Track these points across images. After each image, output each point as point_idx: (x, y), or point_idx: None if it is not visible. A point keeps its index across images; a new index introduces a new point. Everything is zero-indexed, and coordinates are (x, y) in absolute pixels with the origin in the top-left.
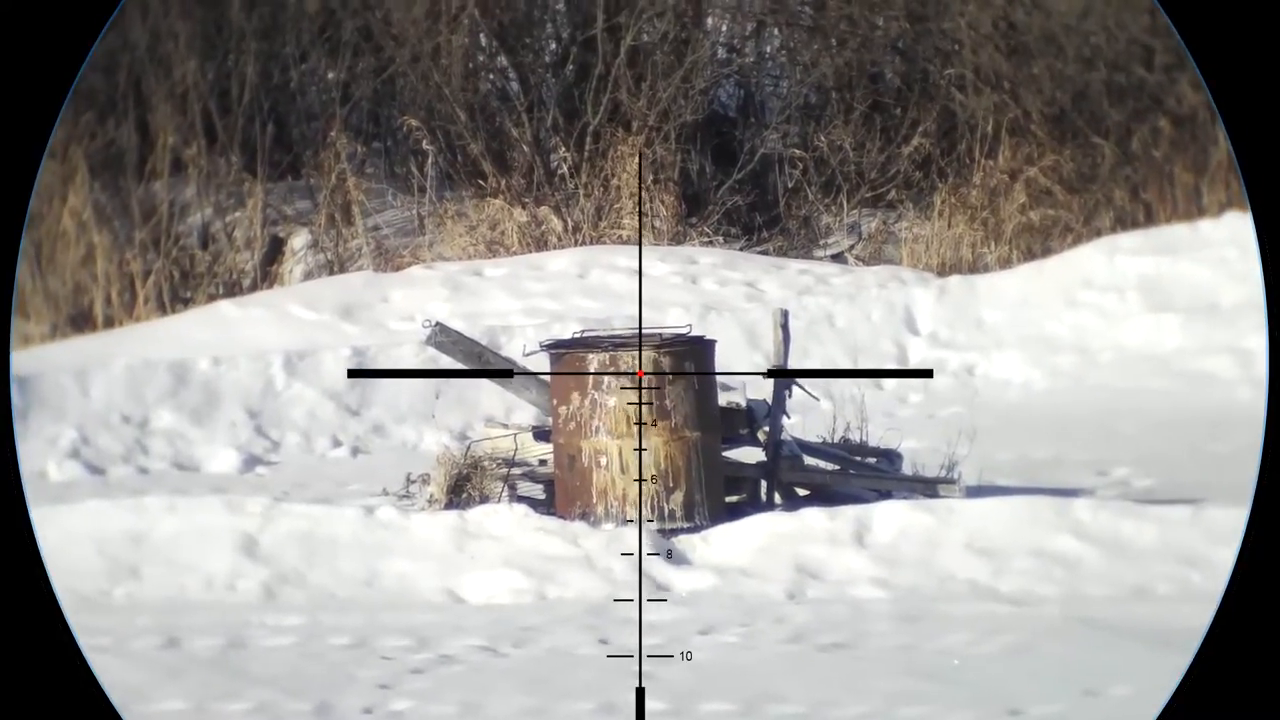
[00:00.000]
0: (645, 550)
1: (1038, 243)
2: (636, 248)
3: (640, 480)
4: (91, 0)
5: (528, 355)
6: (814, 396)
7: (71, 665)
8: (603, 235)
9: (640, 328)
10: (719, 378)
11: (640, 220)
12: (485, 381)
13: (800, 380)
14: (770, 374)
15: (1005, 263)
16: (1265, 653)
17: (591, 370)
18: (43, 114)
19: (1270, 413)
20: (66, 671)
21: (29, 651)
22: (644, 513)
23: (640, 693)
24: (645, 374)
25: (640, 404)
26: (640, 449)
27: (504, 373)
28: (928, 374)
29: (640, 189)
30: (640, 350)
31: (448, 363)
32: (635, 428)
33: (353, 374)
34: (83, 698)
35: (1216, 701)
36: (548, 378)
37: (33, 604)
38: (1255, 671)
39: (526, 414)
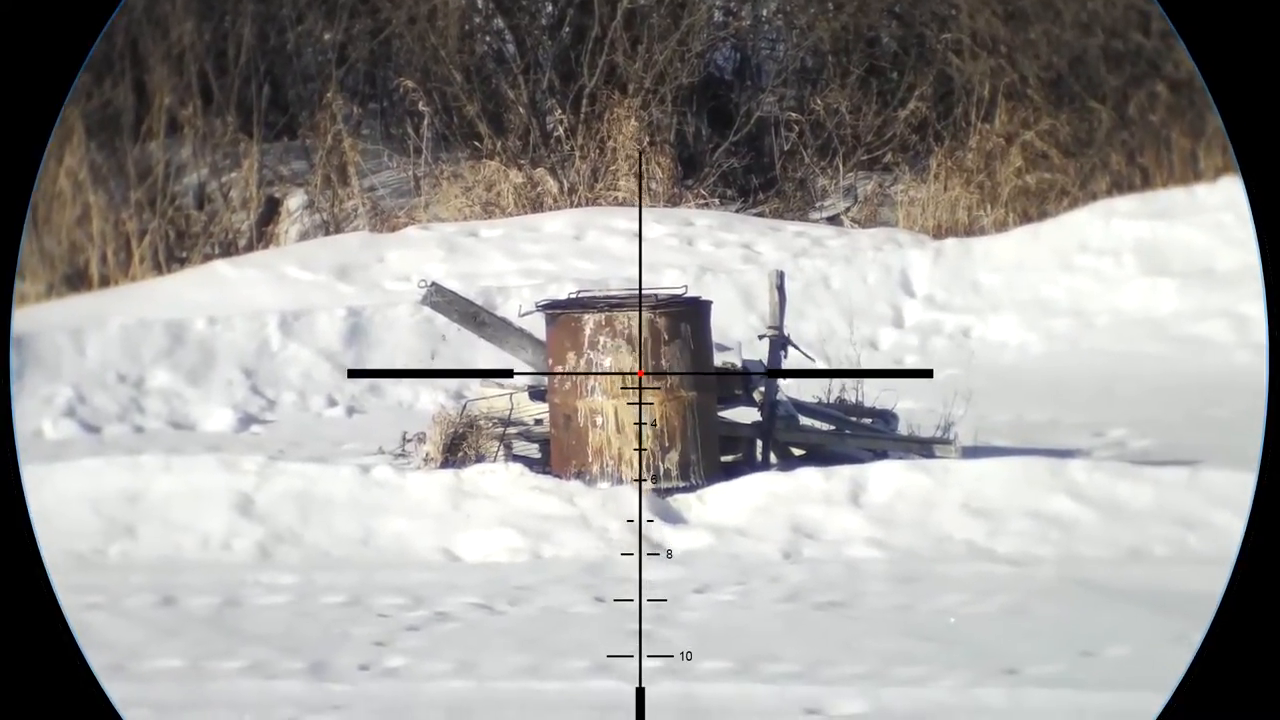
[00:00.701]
0: (646, 551)
1: (1034, 206)
2: (632, 209)
3: (640, 480)
4: None
5: (523, 315)
6: (809, 357)
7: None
8: (598, 197)
9: (642, 290)
10: (715, 338)
11: (640, 206)
12: (481, 341)
13: (795, 340)
14: (771, 374)
15: (1001, 226)
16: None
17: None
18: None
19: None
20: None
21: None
22: (640, 472)
23: (640, 693)
24: (645, 373)
25: (640, 404)
26: (640, 448)
27: (505, 373)
28: (927, 374)
29: (640, 188)
30: (640, 312)
31: (446, 324)
32: (629, 388)
33: (353, 374)
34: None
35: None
36: (543, 335)
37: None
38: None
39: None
